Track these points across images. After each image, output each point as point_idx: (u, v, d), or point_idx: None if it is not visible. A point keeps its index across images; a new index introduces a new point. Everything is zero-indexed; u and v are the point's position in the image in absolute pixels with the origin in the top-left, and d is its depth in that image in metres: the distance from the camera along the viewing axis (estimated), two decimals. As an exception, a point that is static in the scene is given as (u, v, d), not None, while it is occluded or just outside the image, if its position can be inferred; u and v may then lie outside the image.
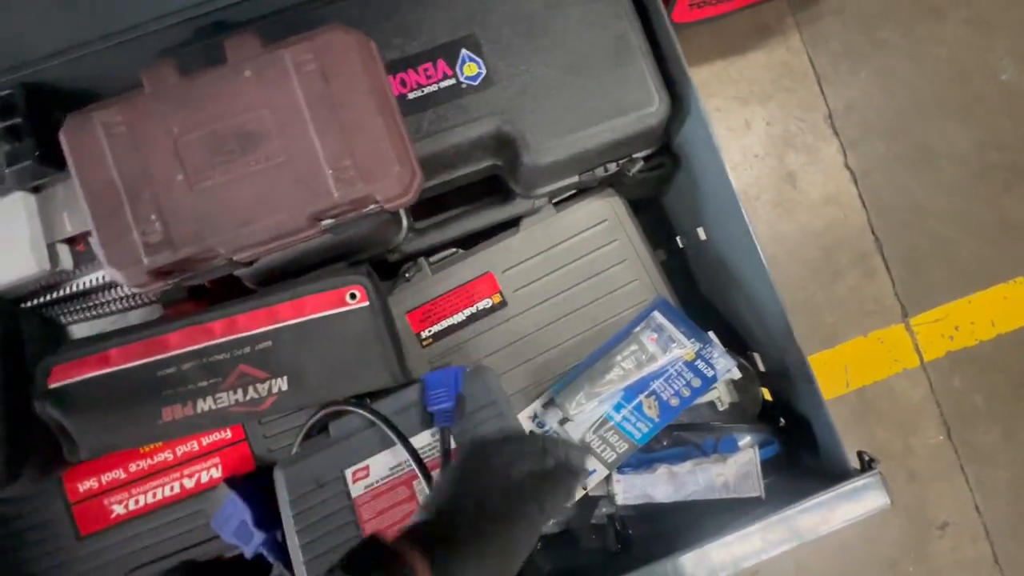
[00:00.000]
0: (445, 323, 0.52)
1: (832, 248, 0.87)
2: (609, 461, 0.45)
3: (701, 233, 0.52)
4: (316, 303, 0.42)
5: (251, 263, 0.39)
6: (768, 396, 0.51)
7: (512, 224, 0.53)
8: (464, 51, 0.43)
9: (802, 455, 0.47)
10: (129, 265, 0.35)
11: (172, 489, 0.48)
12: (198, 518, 0.48)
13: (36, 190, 0.45)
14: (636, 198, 0.55)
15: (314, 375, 0.42)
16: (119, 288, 0.49)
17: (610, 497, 0.45)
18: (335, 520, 0.41)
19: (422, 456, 0.41)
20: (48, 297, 0.48)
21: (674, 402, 0.45)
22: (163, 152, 0.36)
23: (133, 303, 0.51)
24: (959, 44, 0.88)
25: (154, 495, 0.48)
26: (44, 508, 0.47)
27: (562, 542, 0.48)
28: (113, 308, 0.51)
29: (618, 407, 0.46)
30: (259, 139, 0.36)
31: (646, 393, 0.46)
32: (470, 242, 0.54)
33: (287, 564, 0.44)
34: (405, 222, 0.48)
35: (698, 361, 0.46)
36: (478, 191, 0.53)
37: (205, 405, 0.41)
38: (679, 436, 0.49)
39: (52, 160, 0.43)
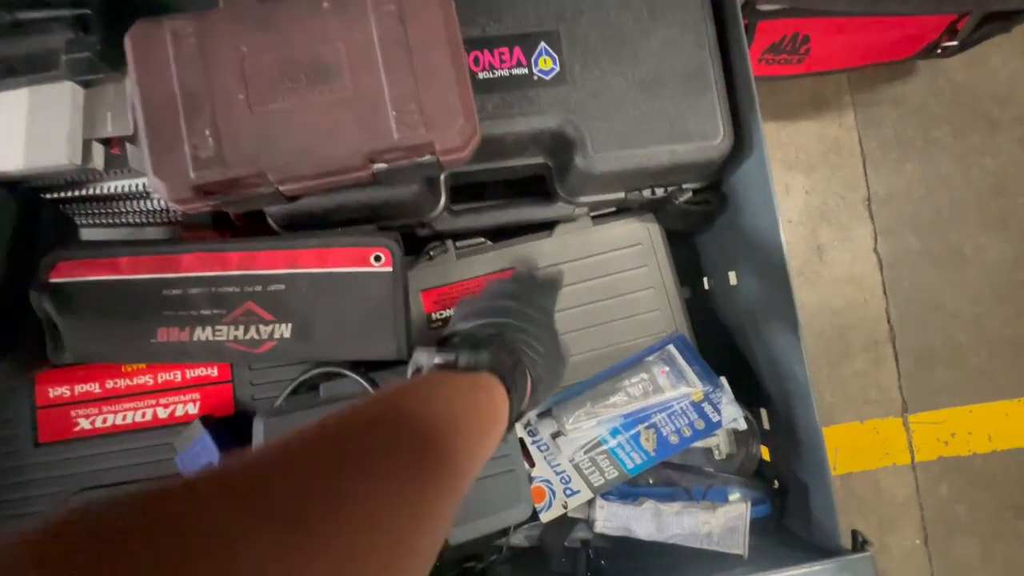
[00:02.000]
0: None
1: (846, 328, 0.86)
2: (595, 485, 0.43)
3: (732, 278, 0.51)
4: (340, 257, 0.41)
5: (291, 199, 0.38)
6: (766, 456, 0.49)
7: (546, 227, 0.52)
8: (543, 44, 0.43)
9: (791, 522, 0.45)
10: (175, 178, 0.34)
11: (144, 415, 0.46)
12: (163, 451, 0.46)
13: (85, 84, 0.44)
14: (672, 229, 0.54)
15: (320, 329, 0.41)
16: (141, 200, 0.48)
17: (588, 522, 0.43)
18: None
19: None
20: (70, 193, 0.46)
21: (673, 439, 0.44)
22: (229, 70, 0.35)
23: (151, 219, 0.50)
24: (1008, 159, 0.89)
25: (124, 417, 0.46)
26: (9, 406, 0.45)
27: (528, 561, 0.46)
28: (130, 219, 0.49)
29: (614, 432, 0.44)
30: (328, 71, 0.35)
31: (646, 424, 0.44)
32: (499, 236, 0.53)
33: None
34: (443, 198, 0.47)
35: (705, 404, 0.45)
36: (516, 188, 0.52)
37: (203, 334, 0.40)
38: (668, 475, 0.47)
39: (109, 60, 0.42)
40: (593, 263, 0.51)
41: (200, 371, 0.47)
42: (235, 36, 0.35)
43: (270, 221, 0.45)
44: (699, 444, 0.48)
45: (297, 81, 0.35)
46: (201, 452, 0.43)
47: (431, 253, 0.50)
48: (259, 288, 0.41)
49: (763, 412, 0.49)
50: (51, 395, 0.46)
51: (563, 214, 0.50)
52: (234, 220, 0.47)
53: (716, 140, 0.43)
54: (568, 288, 0.51)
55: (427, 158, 0.37)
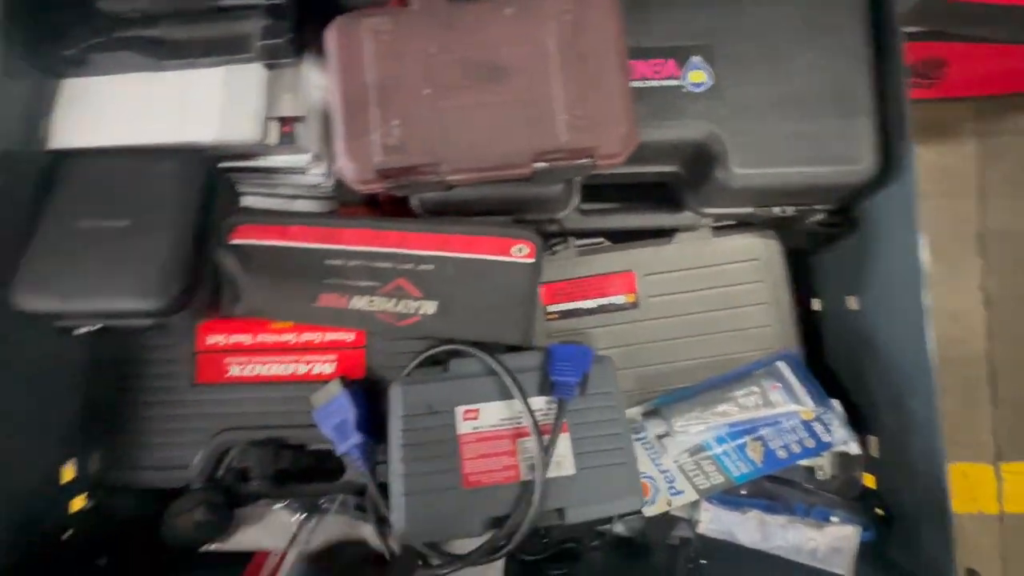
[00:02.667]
0: (574, 305, 0.53)
1: (942, 365, 0.83)
2: (701, 488, 0.45)
3: (852, 303, 0.51)
4: (486, 245, 0.44)
5: (449, 188, 0.42)
6: (871, 483, 0.49)
7: (666, 234, 0.53)
8: (696, 58, 0.44)
9: (896, 553, 0.45)
10: (361, 160, 0.38)
11: (286, 369, 0.51)
12: (299, 403, 0.51)
13: (269, 67, 0.49)
14: (790, 246, 0.54)
15: (460, 310, 0.44)
16: (299, 175, 0.53)
17: (691, 522, 0.45)
18: (438, 447, 0.42)
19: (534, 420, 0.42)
20: (239, 164, 0.51)
21: (781, 454, 0.45)
22: (418, 66, 0.38)
23: (304, 193, 0.54)
24: None
25: (268, 369, 0.51)
26: (175, 346, 0.51)
27: (623, 551, 0.48)
28: (285, 192, 0.54)
29: (720, 440, 0.46)
30: (506, 73, 0.38)
31: (753, 436, 0.45)
32: (619, 239, 0.55)
33: (372, 471, 0.46)
34: (576, 198, 0.49)
35: (816, 423, 0.45)
36: (636, 193, 0.54)
37: (359, 303, 0.44)
38: (767, 488, 0.48)
39: (295, 47, 0.47)
40: (709, 273, 0.52)
41: (339, 335, 0.51)
42: (425, 35, 0.39)
43: (413, 205, 0.48)
44: (803, 462, 0.48)
45: (477, 80, 0.38)
46: (338, 408, 0.47)
47: (554, 249, 0.53)
48: (410, 266, 0.44)
49: (872, 439, 0.49)
50: (208, 342, 0.52)
51: (686, 223, 0.51)
52: (381, 202, 0.51)
53: (860, 166, 0.43)
54: (683, 294, 0.52)
55: (585, 161, 0.40)
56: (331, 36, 0.39)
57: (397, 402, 0.44)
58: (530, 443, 0.41)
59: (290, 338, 0.52)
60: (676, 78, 0.44)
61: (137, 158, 0.47)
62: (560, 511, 0.40)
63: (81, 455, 0.50)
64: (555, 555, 0.46)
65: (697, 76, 0.44)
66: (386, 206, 0.51)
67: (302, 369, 0.51)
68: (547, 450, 0.40)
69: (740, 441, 0.45)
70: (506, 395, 0.43)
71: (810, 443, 0.45)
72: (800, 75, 0.44)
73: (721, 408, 0.46)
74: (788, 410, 0.45)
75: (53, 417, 0.48)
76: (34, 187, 0.46)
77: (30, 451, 0.46)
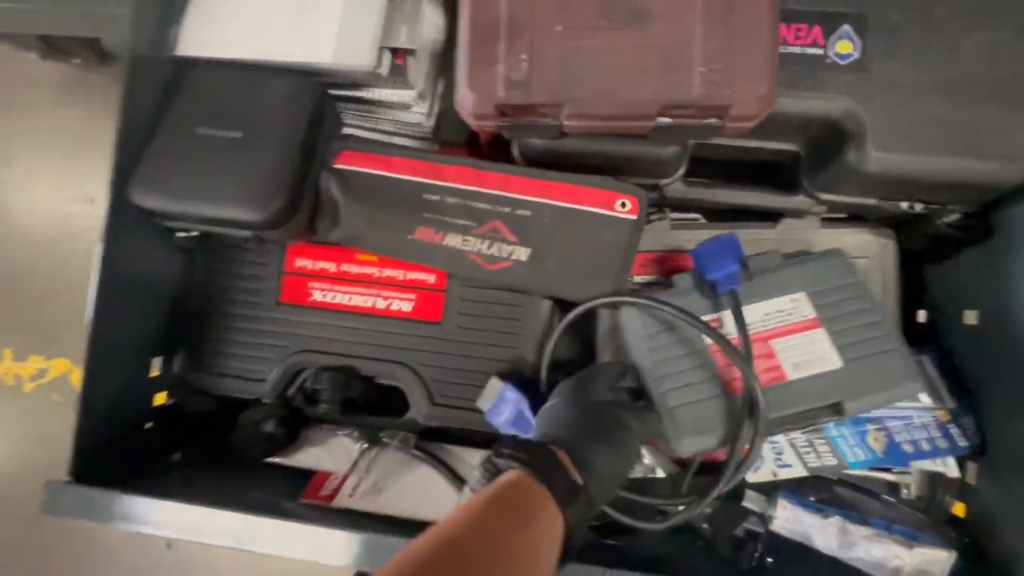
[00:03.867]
0: (659, 279, 0.51)
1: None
2: (810, 465, 0.44)
3: (970, 317, 0.46)
4: (589, 196, 0.43)
5: (562, 136, 0.40)
6: (959, 512, 0.45)
7: (769, 218, 0.50)
8: (846, 27, 0.41)
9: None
10: (483, 93, 0.37)
11: (366, 301, 0.52)
12: (375, 336, 0.51)
13: (389, -4, 0.48)
14: (907, 249, 0.50)
15: (554, 260, 0.43)
16: (402, 111, 0.52)
17: (764, 517, 0.43)
18: (691, 360, 0.41)
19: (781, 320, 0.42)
20: (347, 93, 0.52)
21: (907, 448, 0.42)
22: (552, 2, 0.37)
23: (403, 130, 0.54)
24: None
25: (349, 299, 0.52)
26: (265, 264, 0.53)
27: (685, 537, 0.46)
28: (385, 126, 0.54)
29: (838, 423, 0.43)
30: (646, 17, 0.36)
31: (877, 426, 0.42)
32: (715, 218, 0.52)
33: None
34: (683, 167, 0.47)
35: (951, 425, 0.42)
36: (743, 174, 0.51)
37: (453, 241, 0.44)
38: (841, 495, 0.45)
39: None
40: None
41: (420, 275, 0.51)
42: (566, -31, 0.37)
43: (514, 155, 0.47)
44: (886, 476, 0.45)
45: (614, 22, 0.36)
46: (507, 406, 0.46)
47: (650, 218, 0.50)
48: (507, 210, 0.43)
49: (971, 465, 0.45)
50: (296, 265, 0.53)
51: (797, 207, 0.48)
52: (483, 146, 0.50)
53: (1019, 166, 0.39)
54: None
55: (712, 121, 0.37)
56: (467, -38, 0.38)
57: (634, 323, 0.43)
58: (787, 341, 0.40)
59: (373, 271, 0.52)
60: (820, 46, 0.41)
61: (255, 73, 0.48)
62: (836, 405, 0.39)
63: (166, 355, 0.53)
64: (612, 528, 0.45)
65: (844, 46, 0.41)
66: (487, 152, 0.50)
67: (381, 304, 0.52)
68: (747, 360, 0.39)
69: (861, 428, 0.43)
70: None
71: (943, 443, 0.42)
72: (964, 56, 0.39)
73: None
74: (926, 405, 0.42)
75: (149, 316, 0.51)
76: (159, 91, 0.48)
77: (131, 341, 0.49)
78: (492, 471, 0.32)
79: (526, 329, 0.50)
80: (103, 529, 0.89)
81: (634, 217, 0.42)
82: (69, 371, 0.93)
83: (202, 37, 0.49)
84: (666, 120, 0.37)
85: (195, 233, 0.51)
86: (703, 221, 0.52)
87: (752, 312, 0.42)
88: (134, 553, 0.89)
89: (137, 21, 0.46)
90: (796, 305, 0.42)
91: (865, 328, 0.40)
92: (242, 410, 0.52)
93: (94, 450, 0.45)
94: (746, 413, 0.38)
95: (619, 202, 0.42)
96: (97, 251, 0.45)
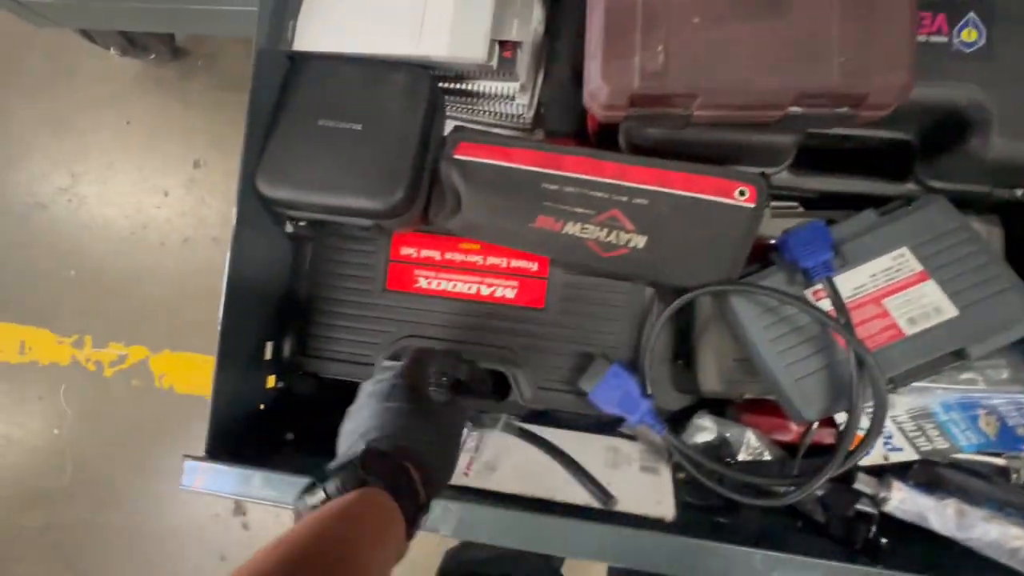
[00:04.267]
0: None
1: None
2: (921, 449, 0.45)
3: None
4: (707, 184, 0.44)
5: (687, 125, 0.41)
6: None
7: (876, 204, 0.50)
8: (973, 14, 0.41)
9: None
10: (617, 83, 0.38)
11: (469, 288, 0.54)
12: (479, 320, 0.53)
13: (499, -11, 0.50)
14: (1012, 236, 0.50)
15: (670, 248, 0.44)
16: (504, 103, 0.54)
17: (876, 499, 0.44)
18: (807, 331, 0.43)
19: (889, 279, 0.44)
20: (453, 85, 0.53)
21: (1021, 431, 0.42)
22: (690, -9, 0.38)
23: (504, 121, 0.56)
24: None
25: (453, 285, 0.54)
26: (373, 253, 0.55)
27: (786, 521, 0.48)
28: (486, 117, 0.56)
29: (947, 408, 0.44)
30: (783, 6, 0.37)
31: (988, 411, 0.43)
32: (813, 207, 0.53)
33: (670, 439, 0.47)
34: (793, 155, 0.48)
35: None
36: (846, 162, 0.51)
37: (572, 229, 0.45)
38: (950, 477, 0.46)
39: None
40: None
41: (523, 263, 0.53)
42: (702, -40, 0.38)
43: (621, 143, 0.48)
44: (996, 461, 0.46)
45: (750, 12, 0.37)
46: (614, 386, 0.48)
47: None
48: (625, 199, 0.44)
49: (1084, 452, 0.45)
50: (402, 253, 0.55)
51: (905, 195, 0.48)
52: (591, 136, 0.51)
53: None
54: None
55: (844, 110, 0.38)
56: (601, -45, 0.39)
57: (748, 309, 0.45)
58: (899, 298, 0.43)
59: (477, 259, 0.54)
60: (944, 34, 0.41)
61: (372, 67, 0.49)
62: (959, 352, 0.41)
63: (277, 340, 0.55)
64: (723, 506, 0.47)
65: (969, 34, 0.41)
66: (594, 142, 0.51)
67: (485, 290, 0.53)
68: (847, 327, 0.41)
69: (972, 412, 0.44)
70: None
71: None
72: (1097, 42, 0.39)
73: (965, 376, 0.44)
74: None
75: (265, 304, 0.53)
76: (278, 85, 0.50)
77: (250, 330, 0.51)
78: (351, 483, 0.32)
79: (627, 315, 0.52)
80: (186, 504, 0.93)
81: (753, 205, 0.43)
82: (147, 357, 0.97)
83: (318, 33, 0.51)
84: (797, 109, 0.38)
85: (304, 224, 0.53)
86: (801, 209, 0.53)
87: (858, 276, 0.44)
88: (212, 532, 0.93)
89: (263, 16, 0.48)
90: (901, 261, 0.44)
91: (976, 271, 0.42)
92: (348, 393, 0.55)
93: (222, 431, 0.48)
94: (862, 374, 0.40)
95: (738, 190, 0.43)
96: (230, 241, 0.47)
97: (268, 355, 0.54)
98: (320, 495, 0.32)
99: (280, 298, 0.55)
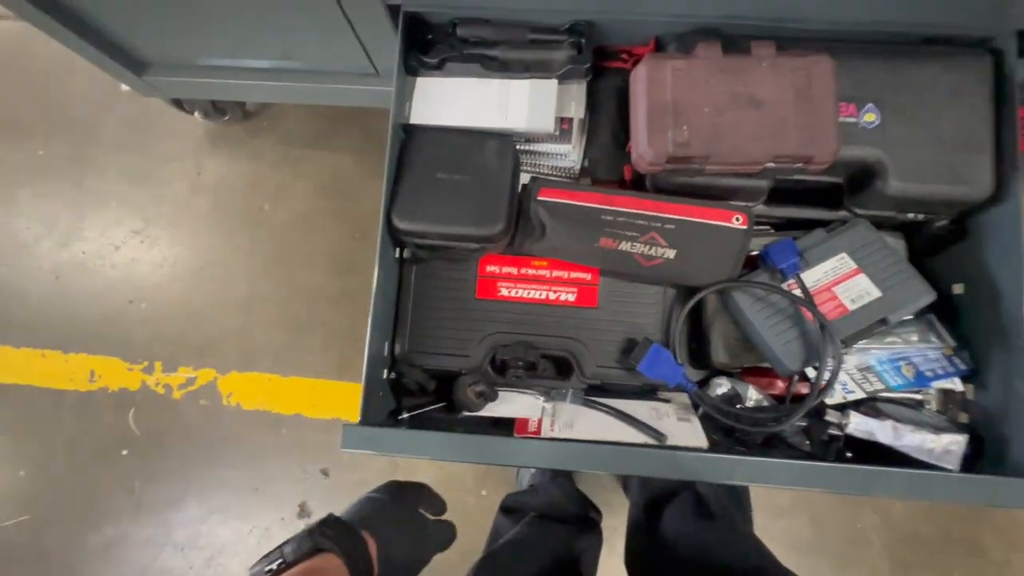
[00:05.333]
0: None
1: None
2: (867, 391, 0.65)
3: (958, 289, 0.69)
4: (714, 214, 0.64)
5: (700, 174, 0.62)
6: (965, 419, 0.67)
7: (822, 225, 0.73)
8: (870, 104, 0.64)
9: (986, 463, 0.63)
10: (658, 149, 0.59)
11: (540, 295, 0.72)
12: (547, 318, 0.71)
13: (560, 82, 0.70)
14: (912, 246, 0.73)
15: (691, 258, 0.64)
16: (559, 159, 0.74)
17: (840, 425, 0.63)
18: (787, 311, 0.64)
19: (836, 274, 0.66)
20: (525, 147, 0.73)
21: (928, 373, 0.63)
22: (700, 93, 0.59)
23: (557, 172, 0.76)
24: None
25: (528, 293, 0.72)
26: (465, 270, 0.72)
27: (776, 444, 0.67)
28: (544, 170, 0.76)
29: (881, 361, 0.65)
30: (759, 103, 0.59)
31: (906, 361, 0.64)
32: (780, 229, 0.75)
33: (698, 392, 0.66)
34: (766, 194, 0.70)
35: (954, 358, 0.64)
36: (800, 198, 0.74)
37: (625, 246, 0.64)
38: (890, 411, 0.66)
39: (589, 71, 0.69)
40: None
41: (580, 274, 0.72)
42: (707, 74, 0.59)
43: (648, 185, 0.69)
44: (916, 396, 0.67)
45: (740, 106, 0.59)
46: (656, 358, 0.65)
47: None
48: (659, 224, 0.64)
49: (968, 387, 0.67)
50: (487, 269, 0.72)
51: (840, 219, 0.71)
52: (627, 181, 0.71)
53: (982, 187, 0.63)
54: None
55: (800, 165, 0.60)
56: (643, 67, 0.60)
57: (746, 299, 0.65)
58: (843, 286, 0.64)
59: (545, 273, 0.72)
60: (854, 116, 0.64)
61: (471, 135, 0.68)
62: (883, 320, 0.62)
63: (391, 341, 0.71)
64: (739, 441, 0.65)
65: (870, 116, 0.64)
66: (630, 185, 0.72)
67: (552, 296, 0.72)
68: (813, 306, 0.62)
69: (896, 364, 0.64)
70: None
71: (950, 368, 0.64)
72: (944, 122, 0.63)
73: (889, 339, 0.65)
74: (936, 345, 0.64)
75: (387, 311, 0.69)
76: (403, 147, 0.68)
77: (383, 330, 0.67)
78: (306, 547, 0.36)
79: (657, 310, 0.71)
80: (247, 516, 1.02)
81: (745, 227, 0.64)
82: (215, 379, 1.08)
83: (429, 110, 0.69)
84: (771, 165, 0.60)
85: (437, 245, 0.70)
86: (771, 230, 0.75)
87: (816, 272, 0.66)
88: (280, 532, 1.03)
89: (399, 97, 0.66)
90: (843, 262, 0.66)
91: (890, 266, 0.64)
92: (451, 382, 0.71)
93: (366, 407, 0.63)
94: (825, 337, 0.60)
95: (735, 217, 0.64)
96: (376, 267, 0.63)
97: (385, 352, 0.70)
98: (278, 560, 0.35)
99: (393, 307, 0.71)
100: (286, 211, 1.08)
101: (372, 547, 0.39)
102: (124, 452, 1.04)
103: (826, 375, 0.61)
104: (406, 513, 0.46)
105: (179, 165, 1.13)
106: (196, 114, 1.04)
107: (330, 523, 0.39)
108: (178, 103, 1.00)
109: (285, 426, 1.02)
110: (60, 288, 1.08)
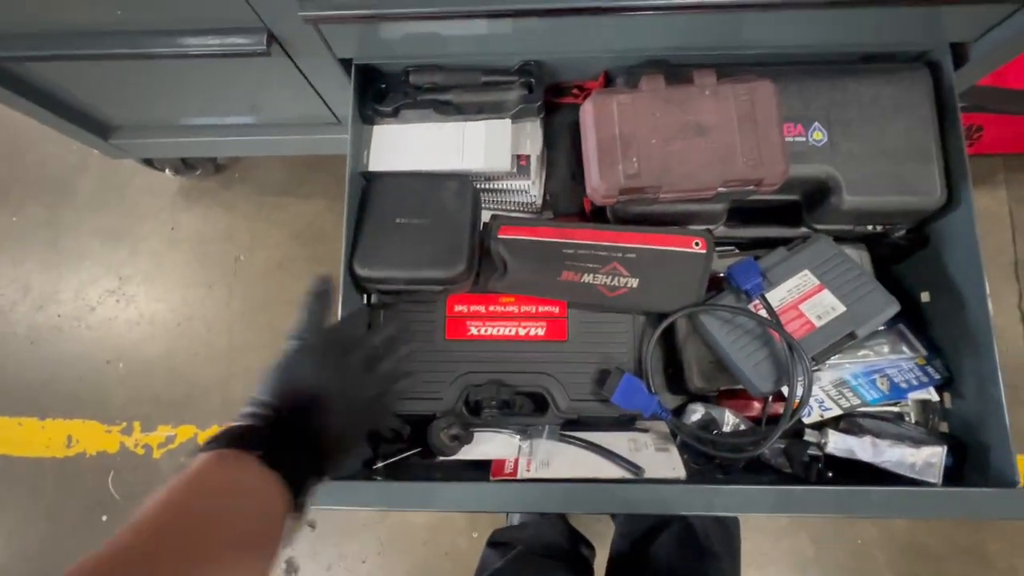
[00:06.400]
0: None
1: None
2: (843, 407, 0.64)
3: (924, 296, 0.70)
4: (673, 240, 0.65)
5: (654, 203, 0.63)
6: (945, 429, 0.66)
7: (784, 242, 0.73)
8: (817, 123, 0.66)
9: (968, 472, 0.62)
10: (610, 183, 0.59)
11: (509, 331, 0.71)
12: (518, 355, 0.70)
13: (514, 121, 0.72)
14: (876, 255, 0.74)
15: (654, 285, 0.64)
16: (519, 195, 0.74)
17: (820, 444, 0.62)
18: (754, 332, 0.64)
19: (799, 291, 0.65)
20: (486, 185, 0.74)
21: (903, 385, 0.63)
22: (647, 125, 0.60)
23: (517, 207, 0.76)
24: None
25: (497, 330, 0.71)
26: (432, 312, 0.72)
27: (756, 468, 0.65)
28: (505, 206, 0.76)
29: (855, 376, 0.64)
30: (705, 130, 0.60)
31: (880, 374, 0.64)
32: (745, 248, 0.75)
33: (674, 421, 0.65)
34: (725, 215, 0.70)
35: (928, 367, 0.64)
36: (762, 216, 0.74)
37: (587, 278, 0.64)
38: (869, 426, 0.65)
39: (537, 110, 0.70)
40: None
41: (548, 308, 0.71)
42: (652, 105, 0.61)
43: (609, 216, 0.69)
44: (893, 409, 0.66)
45: (687, 135, 0.60)
46: (629, 389, 0.64)
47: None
48: (620, 254, 0.65)
49: (946, 396, 0.66)
50: (455, 309, 0.72)
51: (800, 235, 0.71)
52: (588, 213, 0.72)
53: (934, 197, 0.63)
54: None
55: (751, 188, 0.60)
56: (589, 104, 0.61)
57: (712, 322, 0.65)
58: (808, 303, 0.64)
59: (513, 309, 0.72)
60: (803, 135, 0.66)
61: (429, 178, 0.69)
62: (851, 334, 0.62)
63: (361, 387, 0.70)
64: (718, 468, 0.64)
65: (817, 135, 0.66)
66: (590, 216, 0.72)
67: (521, 331, 0.71)
68: (779, 326, 0.62)
69: (871, 377, 0.64)
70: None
71: (924, 379, 0.63)
72: (890, 135, 0.65)
73: (862, 353, 0.64)
74: (908, 355, 0.64)
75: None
76: (359, 194, 0.69)
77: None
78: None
79: (628, 338, 0.70)
80: None
81: (705, 251, 0.64)
82: (195, 435, 1.06)
83: (387, 157, 0.70)
84: (723, 189, 0.60)
85: (401, 290, 0.70)
86: (736, 250, 0.75)
87: (780, 291, 0.65)
88: None
89: (355, 146, 0.67)
90: (805, 279, 0.65)
91: (852, 280, 0.64)
92: (424, 424, 0.70)
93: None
94: (793, 356, 0.60)
95: (694, 242, 0.65)
96: (339, 316, 0.63)
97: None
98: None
99: (362, 354, 0.70)
100: (262, 260, 1.09)
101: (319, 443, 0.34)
102: (104, 518, 1.01)
103: (798, 394, 0.60)
104: (354, 392, 0.39)
105: (153, 222, 1.14)
106: (167, 171, 1.05)
107: (270, 424, 0.33)
108: (148, 162, 1.01)
109: (268, 479, 1.00)
110: (35, 353, 1.07)
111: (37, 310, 1.10)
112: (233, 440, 0.33)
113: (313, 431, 0.35)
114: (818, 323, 0.63)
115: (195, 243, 1.13)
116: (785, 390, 0.64)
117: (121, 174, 1.12)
